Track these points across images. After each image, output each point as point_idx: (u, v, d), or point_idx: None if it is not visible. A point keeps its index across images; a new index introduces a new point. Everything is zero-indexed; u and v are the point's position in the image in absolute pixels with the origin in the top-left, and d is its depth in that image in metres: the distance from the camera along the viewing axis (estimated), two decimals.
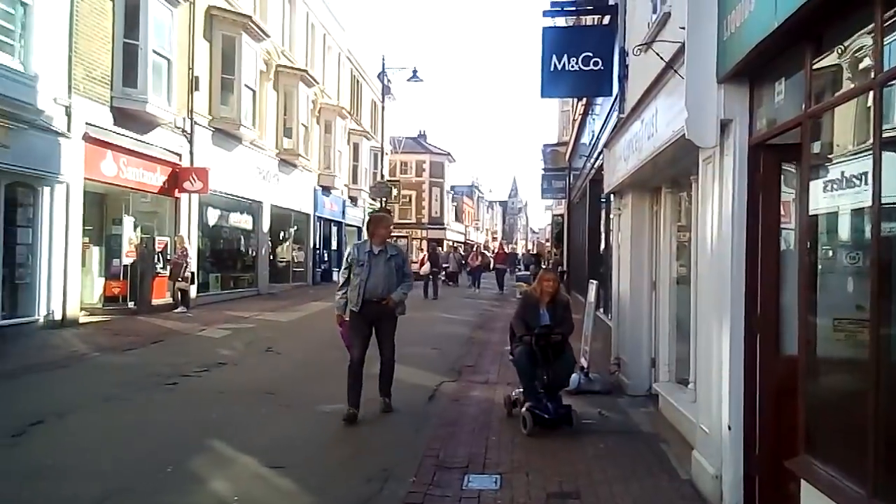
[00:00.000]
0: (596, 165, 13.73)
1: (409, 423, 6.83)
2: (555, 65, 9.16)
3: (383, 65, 33.34)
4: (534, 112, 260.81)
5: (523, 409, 6.46)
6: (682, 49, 4.94)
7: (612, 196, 9.43)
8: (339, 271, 35.37)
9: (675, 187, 7.14)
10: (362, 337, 6.88)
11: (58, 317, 13.34)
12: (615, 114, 9.69)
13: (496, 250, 36.57)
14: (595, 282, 8.79)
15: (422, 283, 24.83)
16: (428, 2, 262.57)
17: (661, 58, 5.20)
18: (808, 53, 3.71)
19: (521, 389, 6.79)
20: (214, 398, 7.91)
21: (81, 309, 14.65)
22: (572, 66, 9.12)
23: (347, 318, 7.02)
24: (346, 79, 34.27)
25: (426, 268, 25.99)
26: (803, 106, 3.80)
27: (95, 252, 16.05)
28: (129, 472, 5.30)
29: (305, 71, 25.59)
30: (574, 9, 10.69)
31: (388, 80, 37.19)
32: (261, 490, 5.05)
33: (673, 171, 6.63)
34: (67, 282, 13.60)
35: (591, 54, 9.09)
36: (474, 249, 36.20)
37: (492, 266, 33.11)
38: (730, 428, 4.50)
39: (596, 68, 9.09)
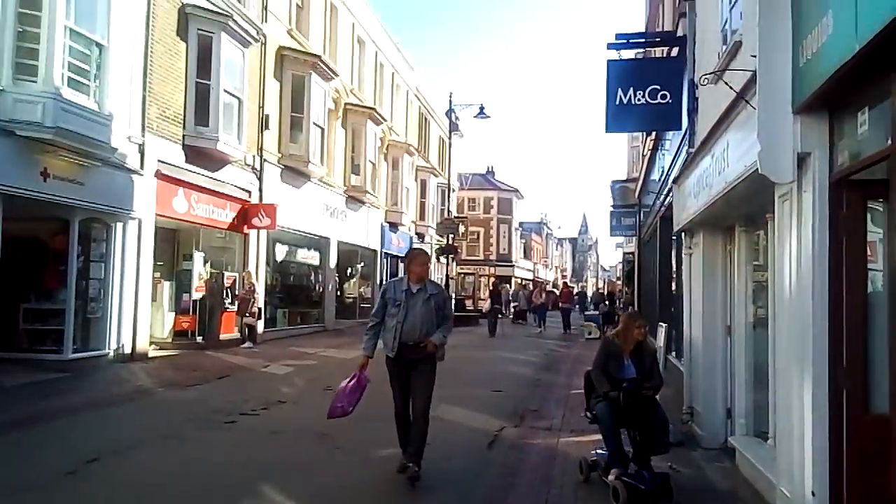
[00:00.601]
0: (666, 202, 13.27)
1: (468, 471, 6.52)
2: (620, 98, 8.87)
3: (450, 102, 33.52)
4: (604, 147, 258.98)
5: (612, 477, 5.59)
6: (753, 78, 4.62)
7: (682, 234, 8.99)
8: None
9: (749, 225, 6.71)
10: (400, 383, 6.24)
11: (127, 350, 13.59)
12: (685, 149, 9.32)
13: (561, 289, 34.91)
14: (665, 324, 8.35)
15: (486, 322, 24.75)
16: (496, 39, 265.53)
17: (732, 88, 4.87)
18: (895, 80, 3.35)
19: (601, 451, 6.01)
20: (270, 438, 7.78)
21: (151, 343, 14.92)
22: (639, 100, 8.81)
23: (372, 368, 6.31)
24: (414, 116, 34.61)
25: (488, 305, 25.86)
26: (890, 138, 3.43)
27: (166, 287, 16.38)
28: None
29: (374, 109, 25.92)
30: (641, 41, 10.42)
31: (456, 118, 37.39)
32: None
33: (746, 208, 6.23)
34: (138, 316, 13.88)
35: (658, 87, 8.76)
36: (539, 287, 35.00)
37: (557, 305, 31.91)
38: (814, 494, 4.06)
39: (664, 102, 8.75)
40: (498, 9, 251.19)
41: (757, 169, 4.50)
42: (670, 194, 12.41)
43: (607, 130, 9.29)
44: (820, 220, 4.16)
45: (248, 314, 17.10)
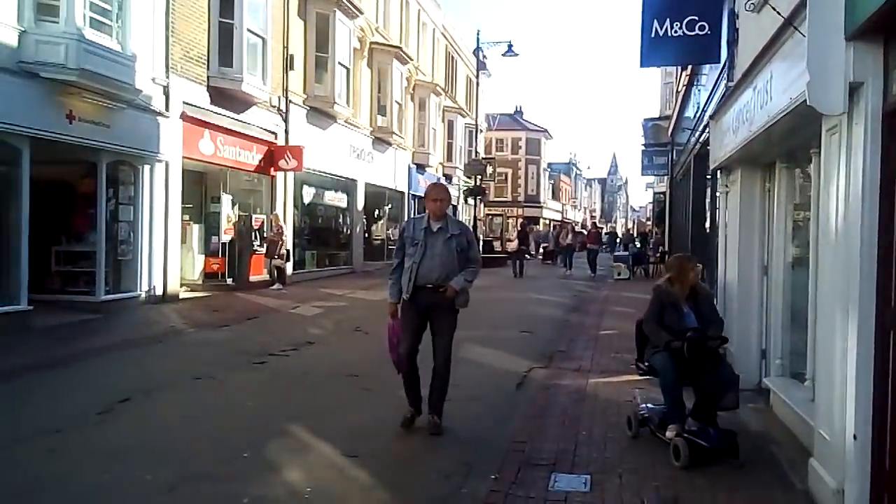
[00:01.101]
0: (701, 140, 12.89)
1: (494, 413, 6.49)
2: (656, 31, 8.48)
3: (478, 40, 32.84)
4: (635, 84, 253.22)
5: (671, 433, 5.14)
6: (803, 3, 4.31)
7: (718, 172, 8.71)
8: None
9: (791, 162, 6.43)
10: (413, 329, 5.75)
11: (159, 292, 13.74)
12: (723, 83, 8.96)
13: (588, 229, 32.44)
14: (699, 266, 8.14)
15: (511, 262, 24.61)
16: None
17: (779, 13, 4.56)
18: None
19: (652, 406, 5.68)
20: (299, 379, 7.82)
21: (182, 285, 15.07)
22: (675, 32, 8.42)
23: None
24: (441, 55, 33.95)
25: (514, 245, 25.69)
26: None
27: (195, 229, 16.45)
28: (207, 456, 5.20)
29: (399, 48, 25.42)
30: None
31: (484, 56, 36.67)
32: (334, 482, 4.84)
33: (789, 144, 5.95)
34: (168, 258, 13.99)
35: (696, 18, 8.34)
36: (565, 227, 33.80)
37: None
38: (855, 437, 3.92)
39: (702, 33, 8.34)
40: None
41: (804, 101, 4.23)
42: (706, 131, 12.04)
43: (642, 65, 8.92)
44: (871, 153, 3.91)
45: (276, 256, 17.17)
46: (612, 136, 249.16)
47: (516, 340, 10.59)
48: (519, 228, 29.64)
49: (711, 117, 8.37)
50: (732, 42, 7.85)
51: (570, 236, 28.20)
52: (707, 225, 12.39)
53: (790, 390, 6.02)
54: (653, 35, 8.51)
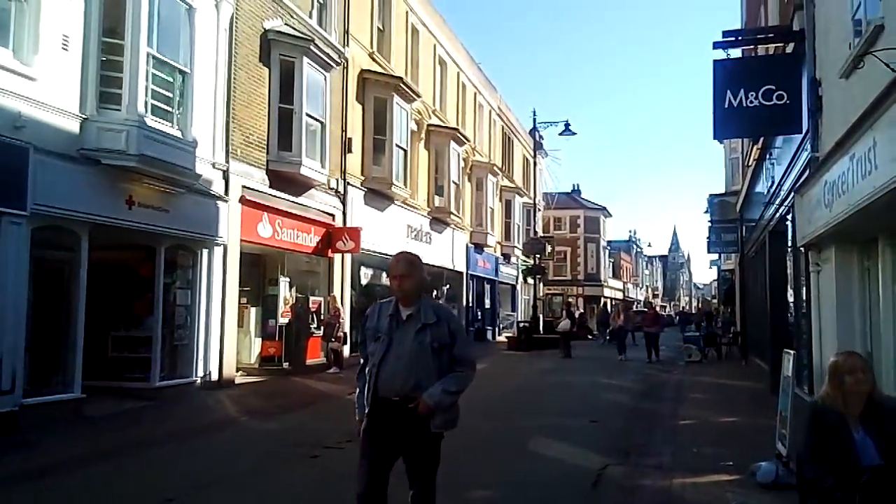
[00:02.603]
0: (777, 216, 12.21)
1: None
2: (730, 101, 8.04)
3: (534, 119, 33.04)
4: (694, 158, 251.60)
5: None
6: None
7: (806, 250, 8.03)
8: (493, 330, 34.97)
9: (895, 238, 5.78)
10: (371, 456, 4.13)
11: (214, 377, 13.44)
12: (804, 154, 8.38)
13: (646, 310, 28.41)
14: (792, 352, 7.39)
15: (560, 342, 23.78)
16: (580, 53, 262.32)
17: (890, 67, 4.04)
18: None
19: None
20: (351, 475, 7.24)
21: (238, 369, 14.80)
22: (751, 102, 7.95)
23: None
24: (498, 135, 34.13)
25: (565, 324, 24.96)
26: None
27: (253, 312, 16.30)
28: None
29: (456, 129, 25.57)
30: (752, 37, 9.52)
31: (541, 137, 36.76)
32: None
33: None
34: (224, 343, 13.74)
35: (773, 87, 7.89)
36: (617, 307, 30.74)
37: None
38: None
39: (780, 102, 7.86)
40: (582, 22, 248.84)
41: None
42: (782, 207, 11.39)
43: (716, 137, 8.47)
44: None
45: (333, 339, 16.85)
46: (673, 211, 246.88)
47: (587, 431, 9.84)
48: (565, 307, 28.81)
49: (796, 191, 7.77)
50: (816, 111, 7.32)
51: (621, 317, 25.91)
52: (791, 305, 11.56)
53: None
54: (726, 105, 8.07)
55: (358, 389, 4.27)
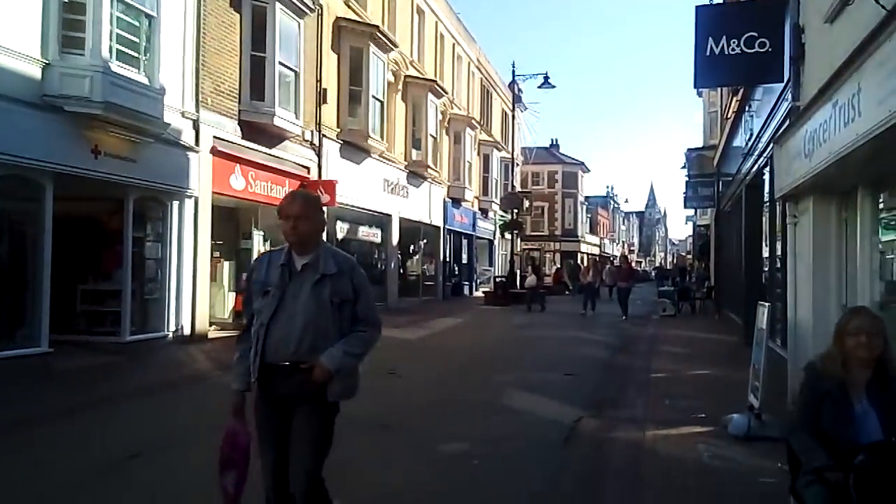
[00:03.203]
0: (755, 169, 12.14)
1: (543, 474, 5.75)
2: (711, 49, 7.84)
3: (514, 72, 32.52)
4: (671, 115, 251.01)
5: None
6: None
7: (783, 202, 7.96)
8: (470, 285, 35.05)
9: (875, 188, 5.68)
10: (272, 436, 3.52)
11: (186, 332, 13.26)
12: (785, 104, 8.25)
13: (619, 264, 27.16)
14: (766, 305, 7.36)
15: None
16: (558, 6, 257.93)
17: (882, 6, 3.87)
18: None
19: None
20: None
21: (211, 324, 14.62)
22: (732, 50, 7.77)
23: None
24: (476, 88, 33.67)
25: (531, 280, 25.16)
26: None
27: (226, 266, 16.05)
28: None
29: (434, 81, 25.13)
30: None
31: (519, 89, 36.34)
32: None
33: (877, 166, 5.22)
34: (197, 297, 13.52)
35: (755, 34, 7.70)
36: (590, 262, 29.66)
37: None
38: None
39: (762, 50, 7.69)
40: None
41: None
42: (760, 159, 11.31)
43: (696, 86, 8.34)
44: None
45: None
46: (650, 168, 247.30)
47: (561, 384, 9.84)
48: (531, 263, 28.96)
49: (775, 141, 7.65)
50: (798, 58, 7.16)
51: (590, 273, 24.59)
52: (766, 259, 11.57)
53: None
54: (707, 53, 7.88)
55: (237, 355, 3.56)
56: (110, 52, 10.61)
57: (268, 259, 3.60)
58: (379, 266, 23.26)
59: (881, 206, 5.80)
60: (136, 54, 11.32)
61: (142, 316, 12.58)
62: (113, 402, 8.48)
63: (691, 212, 38.96)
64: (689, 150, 26.65)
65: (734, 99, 14.11)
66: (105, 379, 9.90)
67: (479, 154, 32.84)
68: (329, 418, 3.57)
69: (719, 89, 21.33)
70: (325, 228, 3.62)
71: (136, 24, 11.36)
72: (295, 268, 3.49)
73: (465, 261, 32.65)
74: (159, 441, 6.63)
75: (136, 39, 11.34)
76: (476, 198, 32.97)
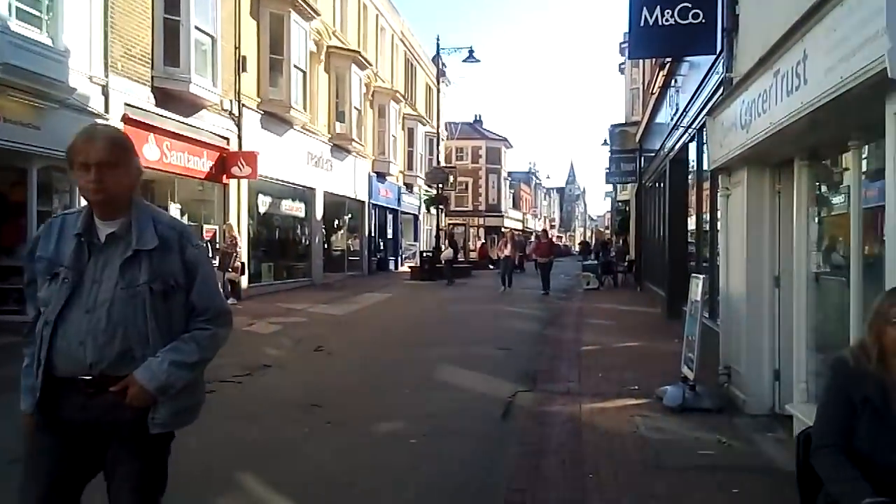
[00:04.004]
0: (680, 143, 12.26)
1: (482, 449, 5.60)
2: (645, 19, 7.75)
3: (438, 46, 32.09)
4: (591, 92, 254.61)
5: None
6: None
7: (714, 175, 7.99)
8: (395, 260, 34.79)
9: (813, 159, 5.69)
10: (47, 483, 2.49)
11: None
12: (716, 76, 8.26)
13: (539, 240, 25.10)
14: (702, 276, 7.38)
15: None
16: None
17: None
18: None
19: None
20: (253, 411, 6.81)
21: None
22: (666, 21, 7.69)
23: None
24: (400, 62, 33.15)
25: (447, 253, 25.27)
26: None
27: None
28: None
29: (358, 52, 24.54)
30: None
31: (443, 64, 35.97)
32: None
33: (816, 137, 5.20)
34: None
35: (688, 5, 7.65)
36: (505, 235, 26.37)
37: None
38: None
39: (696, 21, 7.65)
40: None
41: (867, 76, 3.50)
42: (686, 134, 11.41)
43: (630, 56, 8.35)
44: None
45: (230, 269, 16.08)
46: (570, 145, 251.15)
47: (494, 359, 9.74)
48: (447, 236, 29.11)
49: (708, 113, 7.64)
50: (731, 30, 7.13)
51: (508, 247, 22.42)
52: (691, 232, 11.73)
53: None
54: (641, 24, 7.78)
55: (25, 361, 2.59)
56: (9, 10, 9.81)
57: (59, 226, 2.57)
58: (303, 241, 22.72)
59: (820, 176, 5.83)
60: (37, 13, 10.54)
61: None
62: (11, 390, 7.85)
63: (610, 188, 39.63)
64: (612, 125, 26.95)
65: (660, 74, 14.21)
66: (5, 363, 9.20)
67: (403, 128, 32.42)
68: (157, 457, 2.57)
69: (641, 65, 21.63)
70: (138, 181, 2.58)
71: None
72: (97, 239, 2.51)
73: (390, 236, 32.33)
74: None
75: None
76: (401, 172, 32.61)
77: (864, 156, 4.78)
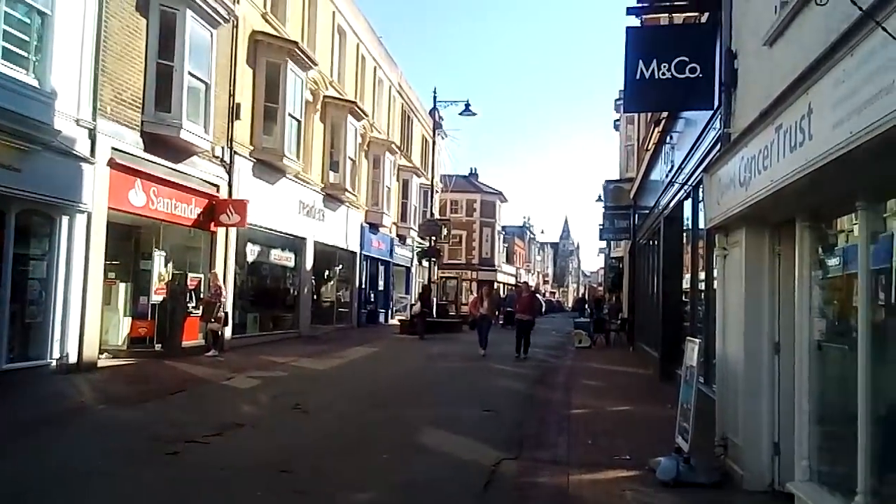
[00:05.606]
0: (675, 201, 12.04)
1: None
2: (641, 73, 7.57)
3: (435, 98, 32.27)
4: (587, 149, 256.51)
5: None
6: None
7: (711, 234, 7.71)
8: (386, 312, 34.05)
9: (815, 220, 5.39)
10: None
11: (73, 360, 12.04)
12: (713, 132, 8.05)
13: (520, 294, 21.69)
14: (697, 340, 7.03)
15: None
16: (481, 36, 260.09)
17: (858, 6, 3.50)
18: None
19: None
20: (215, 476, 6.33)
21: (103, 351, 13.46)
22: (663, 74, 7.51)
23: None
24: (397, 113, 33.25)
25: (417, 307, 24.91)
26: None
27: (122, 289, 14.85)
28: None
29: (354, 103, 24.55)
30: (666, 4, 9.12)
31: (440, 116, 36.17)
32: None
33: (821, 195, 4.92)
34: (85, 321, 12.34)
35: (686, 59, 7.48)
36: (481, 290, 22.64)
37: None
38: None
39: (693, 76, 7.46)
40: (485, 6, 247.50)
41: (872, 133, 3.24)
42: (681, 191, 11.19)
43: (626, 110, 8.18)
44: None
45: (213, 319, 15.63)
46: (565, 200, 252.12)
47: (478, 421, 9.28)
48: (422, 290, 28.76)
49: (705, 171, 7.38)
50: (730, 84, 6.93)
51: (484, 304, 19.47)
52: (686, 294, 11.42)
53: (826, 502, 4.83)
54: (637, 77, 7.59)
55: None
56: None
57: None
58: (291, 291, 22.32)
59: (825, 238, 5.52)
60: (25, 54, 10.34)
61: (22, 341, 11.37)
62: None
63: (604, 244, 39.45)
64: (606, 181, 26.91)
65: (655, 131, 14.09)
66: None
67: (398, 179, 32.35)
68: None
69: (636, 121, 21.62)
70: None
71: (27, 20, 10.41)
72: None
73: (381, 288, 31.92)
74: (19, 491, 5.68)
75: (27, 38, 10.35)
76: (394, 224, 32.39)
77: (872, 216, 4.48)
